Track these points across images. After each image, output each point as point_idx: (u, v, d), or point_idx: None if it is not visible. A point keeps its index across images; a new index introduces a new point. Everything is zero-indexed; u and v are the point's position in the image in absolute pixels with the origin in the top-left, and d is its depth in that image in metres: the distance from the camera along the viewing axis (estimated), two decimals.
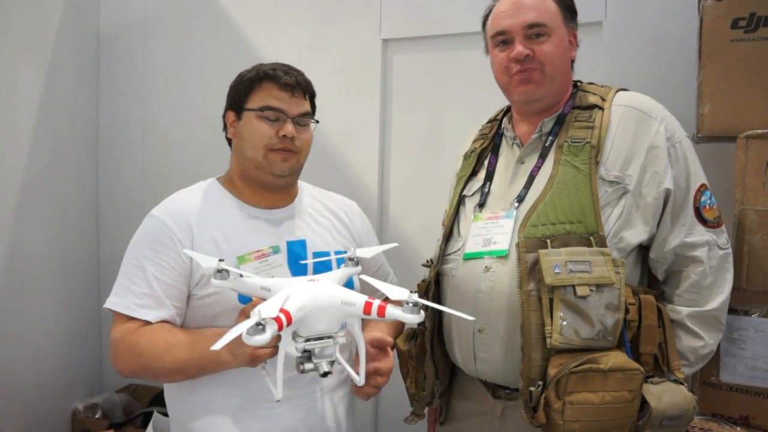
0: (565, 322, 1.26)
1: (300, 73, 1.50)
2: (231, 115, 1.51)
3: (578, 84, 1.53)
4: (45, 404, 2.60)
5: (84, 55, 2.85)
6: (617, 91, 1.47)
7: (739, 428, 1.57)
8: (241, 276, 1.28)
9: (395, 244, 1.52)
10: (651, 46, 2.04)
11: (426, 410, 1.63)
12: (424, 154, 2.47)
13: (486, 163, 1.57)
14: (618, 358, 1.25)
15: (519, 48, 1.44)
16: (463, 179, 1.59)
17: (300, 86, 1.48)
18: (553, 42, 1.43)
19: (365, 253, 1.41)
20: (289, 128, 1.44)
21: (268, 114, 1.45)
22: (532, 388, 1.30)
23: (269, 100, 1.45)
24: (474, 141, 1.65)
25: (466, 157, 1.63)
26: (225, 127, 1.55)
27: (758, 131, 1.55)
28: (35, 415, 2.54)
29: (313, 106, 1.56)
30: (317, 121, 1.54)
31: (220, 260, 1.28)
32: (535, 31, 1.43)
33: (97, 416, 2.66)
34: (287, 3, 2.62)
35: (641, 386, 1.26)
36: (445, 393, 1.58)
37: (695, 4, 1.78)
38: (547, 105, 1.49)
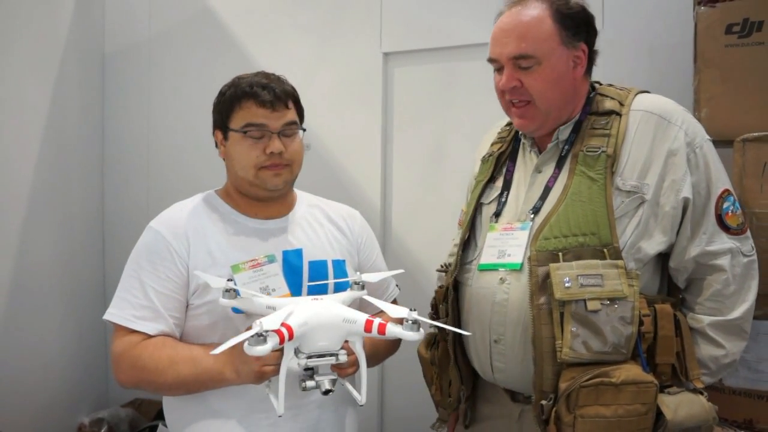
0: (576, 337, 1.25)
1: (279, 83, 1.48)
2: (218, 134, 1.52)
3: (596, 86, 1.49)
4: (51, 419, 2.60)
5: (89, 73, 2.89)
6: (636, 94, 1.43)
7: None
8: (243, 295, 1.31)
9: (401, 270, 1.54)
10: (648, 53, 2.06)
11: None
12: (427, 167, 2.49)
13: (504, 170, 1.55)
14: (631, 371, 1.24)
15: (504, 80, 1.41)
16: (480, 184, 1.57)
17: (279, 99, 1.45)
18: (543, 72, 1.38)
19: (371, 278, 1.43)
20: (275, 144, 1.43)
21: (252, 133, 1.44)
22: (543, 402, 1.29)
23: (250, 118, 1.44)
24: (492, 144, 1.62)
25: (484, 161, 1.61)
26: (217, 145, 1.56)
27: (755, 134, 1.55)
28: (41, 430, 2.54)
29: (300, 111, 1.53)
30: (304, 129, 1.53)
31: (228, 280, 1.31)
32: (521, 63, 1.38)
33: (102, 431, 2.65)
34: (288, 19, 2.66)
35: (656, 399, 1.24)
36: (470, 397, 1.57)
37: (690, 11, 1.80)
38: (549, 130, 1.46)
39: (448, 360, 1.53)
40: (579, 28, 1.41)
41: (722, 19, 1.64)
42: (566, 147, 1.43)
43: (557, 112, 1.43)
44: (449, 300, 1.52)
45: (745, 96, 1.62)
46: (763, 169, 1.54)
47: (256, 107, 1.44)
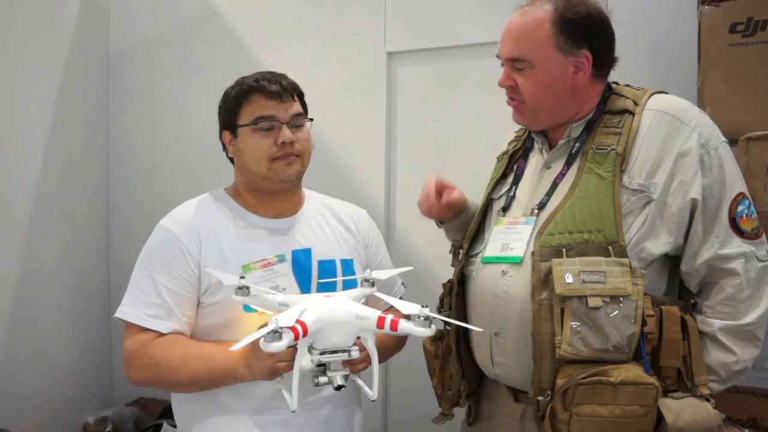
0: (575, 334, 1.25)
1: (283, 77, 1.51)
2: (227, 134, 1.53)
3: (612, 86, 1.49)
4: (56, 418, 2.61)
5: (94, 75, 2.90)
6: (652, 95, 1.42)
7: (747, 430, 1.56)
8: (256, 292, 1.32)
9: (410, 268, 1.55)
10: (652, 52, 2.06)
11: (454, 410, 1.62)
12: (430, 166, 2.47)
13: (515, 166, 1.56)
14: (630, 372, 1.23)
15: (501, 78, 1.45)
16: (493, 181, 1.58)
17: (286, 90, 1.49)
18: (535, 75, 1.40)
19: (381, 275, 1.44)
20: (286, 134, 1.46)
21: (262, 125, 1.46)
22: (540, 398, 1.29)
23: (259, 111, 1.46)
24: (509, 142, 1.64)
25: (499, 158, 1.63)
26: (224, 147, 1.57)
27: (758, 133, 1.56)
28: (46, 429, 2.55)
29: (304, 105, 1.56)
30: (311, 119, 1.55)
31: (241, 277, 1.32)
32: (515, 65, 1.41)
33: (107, 429, 2.66)
34: (292, 20, 2.66)
35: (655, 401, 1.22)
36: (475, 394, 1.58)
37: (694, 10, 1.80)
38: (543, 126, 1.48)
39: (450, 353, 1.53)
40: (581, 34, 1.39)
41: (726, 18, 1.64)
42: (577, 144, 1.43)
43: (548, 113, 1.44)
44: (453, 293, 1.53)
45: (749, 95, 1.62)
46: (766, 168, 1.54)
47: (264, 99, 1.47)
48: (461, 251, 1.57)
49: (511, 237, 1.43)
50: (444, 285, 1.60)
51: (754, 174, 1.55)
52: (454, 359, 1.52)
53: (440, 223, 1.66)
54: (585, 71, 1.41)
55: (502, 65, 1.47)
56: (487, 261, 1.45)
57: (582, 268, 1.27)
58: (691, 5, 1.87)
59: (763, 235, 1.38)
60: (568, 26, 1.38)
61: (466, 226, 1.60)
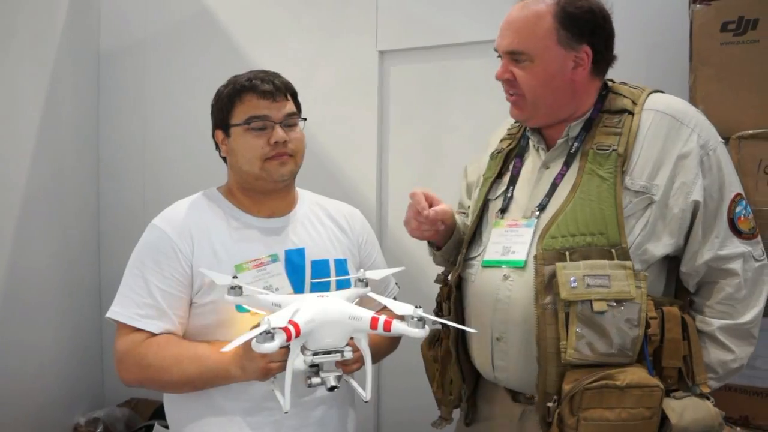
0: (581, 338, 1.24)
1: (276, 76, 1.50)
2: (219, 134, 1.52)
3: (609, 84, 1.48)
4: (47, 419, 2.60)
5: (85, 73, 2.89)
6: (650, 94, 1.42)
7: (738, 428, 1.57)
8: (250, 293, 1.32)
9: (403, 268, 1.54)
10: (643, 51, 2.06)
11: (453, 413, 1.61)
12: (423, 165, 2.48)
13: (511, 166, 1.54)
14: (636, 375, 1.23)
15: (498, 71, 1.43)
16: (488, 181, 1.55)
17: (280, 90, 1.47)
18: (534, 69, 1.38)
19: (374, 275, 1.43)
20: (279, 134, 1.45)
21: (255, 124, 1.45)
22: (549, 404, 1.28)
23: (252, 110, 1.45)
24: (501, 140, 1.61)
25: (493, 157, 1.59)
26: (217, 146, 1.56)
27: (750, 131, 1.56)
28: (36, 430, 2.54)
29: (297, 104, 1.55)
30: (305, 119, 1.54)
31: (234, 277, 1.32)
32: (514, 57, 1.39)
33: (98, 430, 2.65)
34: (284, 18, 2.66)
35: (661, 403, 1.23)
36: (472, 395, 1.57)
37: (686, 9, 1.81)
38: (542, 123, 1.47)
39: (450, 358, 1.52)
40: (582, 29, 1.38)
41: (718, 17, 1.64)
42: (575, 144, 1.42)
43: (547, 109, 1.42)
44: (452, 298, 1.51)
45: (740, 93, 1.62)
46: (758, 167, 1.55)
47: (257, 99, 1.45)
48: (460, 255, 1.55)
49: (511, 240, 1.41)
50: (442, 289, 1.58)
51: (746, 173, 1.54)
52: (453, 364, 1.51)
53: (436, 249, 1.62)
54: (584, 67, 1.40)
55: (499, 56, 1.45)
56: (488, 265, 1.43)
57: (586, 272, 1.27)
58: (682, 4, 1.87)
59: (759, 236, 1.39)
60: (570, 20, 1.36)
61: (454, 253, 1.58)
